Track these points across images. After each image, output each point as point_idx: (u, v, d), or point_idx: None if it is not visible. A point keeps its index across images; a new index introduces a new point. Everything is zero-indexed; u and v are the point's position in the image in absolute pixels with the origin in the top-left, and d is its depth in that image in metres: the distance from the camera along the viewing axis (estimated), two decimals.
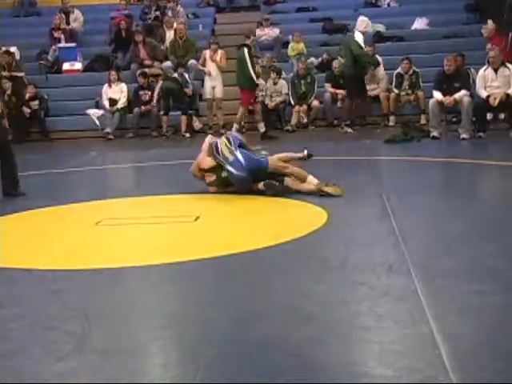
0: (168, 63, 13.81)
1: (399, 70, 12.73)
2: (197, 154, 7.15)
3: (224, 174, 6.82)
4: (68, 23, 15.54)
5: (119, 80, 13.52)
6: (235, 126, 11.93)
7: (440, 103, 10.65)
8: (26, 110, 13.28)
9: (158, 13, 15.29)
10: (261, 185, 6.66)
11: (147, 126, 13.24)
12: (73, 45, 15.08)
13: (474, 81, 11.18)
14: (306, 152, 7.57)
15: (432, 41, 14.26)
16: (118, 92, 13.41)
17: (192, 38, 14.17)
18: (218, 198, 6.76)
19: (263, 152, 6.96)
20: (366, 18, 12.17)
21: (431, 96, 10.94)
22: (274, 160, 6.83)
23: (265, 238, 5.11)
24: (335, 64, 12.91)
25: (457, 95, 10.55)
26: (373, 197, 6.35)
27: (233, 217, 6.20)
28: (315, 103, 12.95)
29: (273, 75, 13.03)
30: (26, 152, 11.10)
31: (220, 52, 13.17)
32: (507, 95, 10.45)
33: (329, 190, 6.43)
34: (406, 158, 8.93)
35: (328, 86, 12.93)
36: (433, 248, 4.68)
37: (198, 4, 16.83)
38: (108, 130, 13.06)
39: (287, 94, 13.07)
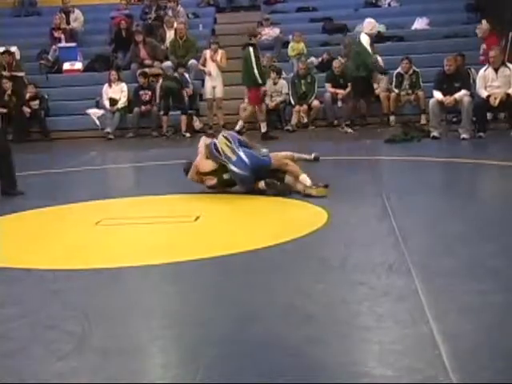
0: (168, 63, 13.81)
1: (399, 69, 12.74)
2: (197, 154, 7.12)
3: (225, 177, 6.79)
4: (68, 23, 15.54)
5: (119, 80, 13.53)
6: (240, 122, 11.96)
7: (440, 103, 10.65)
8: (27, 110, 13.28)
9: (160, 12, 15.29)
10: (261, 184, 6.65)
11: (147, 126, 13.25)
12: (73, 45, 15.09)
13: (475, 81, 11.18)
14: (313, 155, 7.59)
15: (432, 41, 14.26)
16: (118, 92, 13.41)
17: (192, 37, 14.17)
18: (218, 198, 6.76)
19: (264, 150, 6.92)
20: (372, 20, 12.17)
21: (431, 96, 10.94)
22: (278, 158, 6.79)
23: (265, 238, 5.11)
24: (335, 64, 12.92)
25: (457, 95, 10.55)
26: (373, 197, 6.34)
27: (233, 217, 6.20)
28: (315, 103, 12.95)
29: (273, 75, 13.03)
30: (27, 152, 11.12)
31: (220, 52, 13.17)
32: (507, 95, 10.45)
33: (312, 192, 6.41)
34: (406, 158, 8.93)
35: (328, 86, 12.93)
36: (433, 248, 4.68)
37: (199, 4, 16.84)
38: (108, 129, 13.06)
39: (287, 93, 13.07)
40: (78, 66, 14.80)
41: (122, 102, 13.32)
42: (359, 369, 2.87)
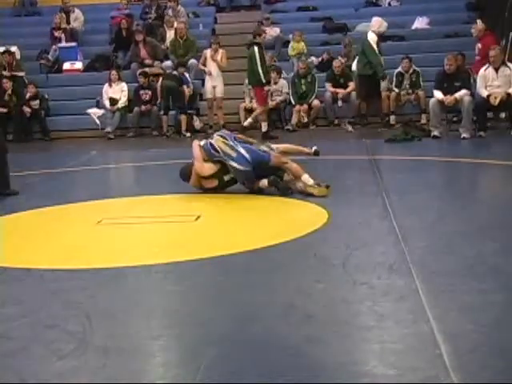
0: (168, 63, 13.82)
1: (399, 69, 12.73)
2: (193, 158, 7.04)
3: (226, 178, 6.78)
4: (68, 23, 15.54)
5: (120, 79, 13.53)
6: (249, 120, 12.01)
7: (441, 102, 10.64)
8: (27, 110, 13.28)
9: (160, 11, 15.29)
10: (263, 182, 6.64)
11: (148, 126, 13.27)
12: (73, 44, 15.09)
13: (475, 80, 11.17)
14: (314, 149, 7.57)
15: (433, 40, 14.26)
16: (118, 91, 13.42)
17: (192, 37, 14.17)
18: (218, 198, 6.75)
19: (262, 146, 6.91)
20: (380, 18, 12.18)
21: (432, 95, 10.94)
22: (278, 156, 6.76)
23: (265, 238, 5.10)
24: (335, 63, 12.92)
25: (457, 94, 10.54)
26: (373, 196, 6.34)
27: (233, 216, 6.19)
28: (315, 103, 12.95)
29: (273, 75, 13.01)
30: (27, 152, 11.13)
31: (221, 51, 13.17)
32: (508, 94, 10.44)
33: (314, 191, 6.41)
34: (407, 158, 8.93)
35: (328, 86, 12.94)
36: (433, 247, 4.68)
37: (199, 3, 16.85)
38: (108, 129, 13.07)
39: (288, 93, 13.08)
40: (79, 65, 14.80)
41: (123, 102, 13.32)
42: (360, 368, 2.86)
